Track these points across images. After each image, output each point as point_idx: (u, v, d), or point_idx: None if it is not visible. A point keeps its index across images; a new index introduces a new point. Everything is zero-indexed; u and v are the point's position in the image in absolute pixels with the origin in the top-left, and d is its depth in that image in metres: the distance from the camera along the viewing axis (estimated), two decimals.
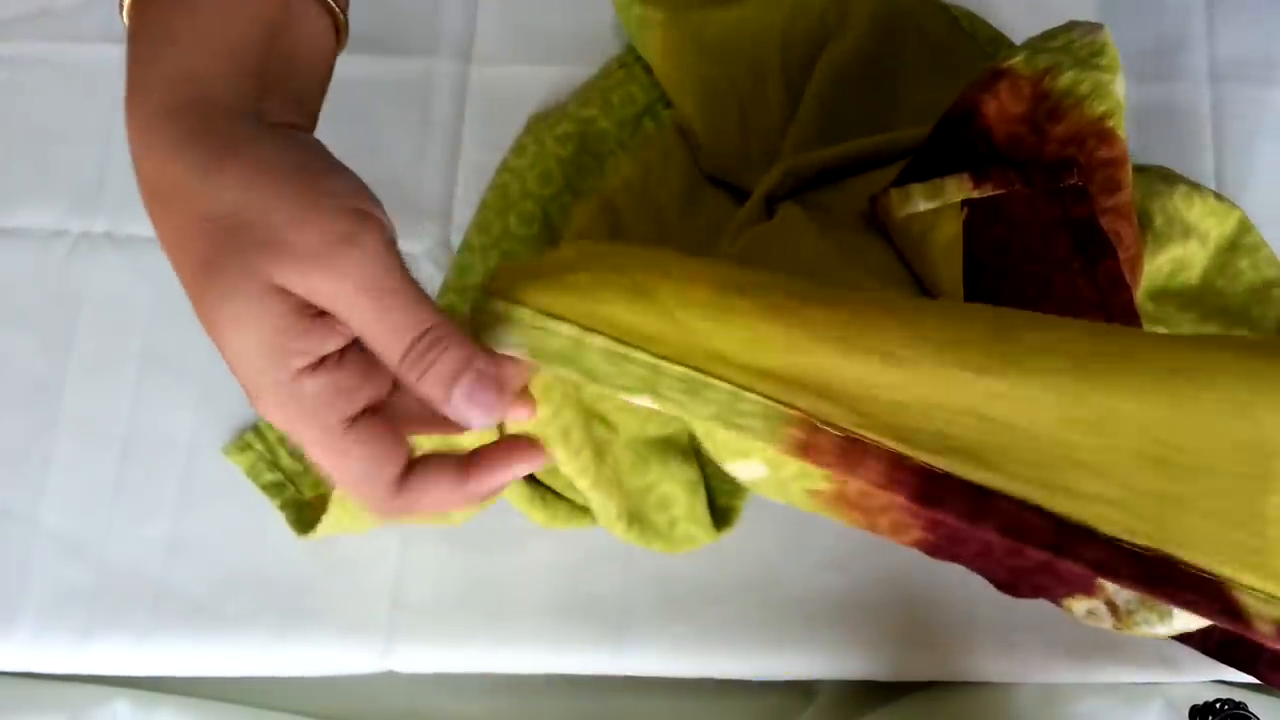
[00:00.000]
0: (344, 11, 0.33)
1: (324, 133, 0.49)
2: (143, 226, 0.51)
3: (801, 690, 0.46)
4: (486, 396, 0.29)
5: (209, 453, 0.47)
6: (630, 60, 0.53)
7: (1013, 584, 0.35)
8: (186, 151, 0.28)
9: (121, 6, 0.31)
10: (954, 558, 0.35)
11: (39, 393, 0.48)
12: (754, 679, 0.45)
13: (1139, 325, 0.41)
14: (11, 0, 0.54)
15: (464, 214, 0.51)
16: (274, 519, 0.45)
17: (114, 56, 0.53)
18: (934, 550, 0.35)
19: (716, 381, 0.30)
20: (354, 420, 0.29)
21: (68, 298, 0.49)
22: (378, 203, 0.29)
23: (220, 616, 0.45)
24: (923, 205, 0.41)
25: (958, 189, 0.40)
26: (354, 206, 0.28)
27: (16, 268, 0.50)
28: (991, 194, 0.39)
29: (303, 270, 0.27)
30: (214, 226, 0.28)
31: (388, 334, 0.28)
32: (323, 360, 0.28)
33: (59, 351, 0.48)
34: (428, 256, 0.50)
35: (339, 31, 0.33)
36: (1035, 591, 0.35)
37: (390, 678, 0.45)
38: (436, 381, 0.29)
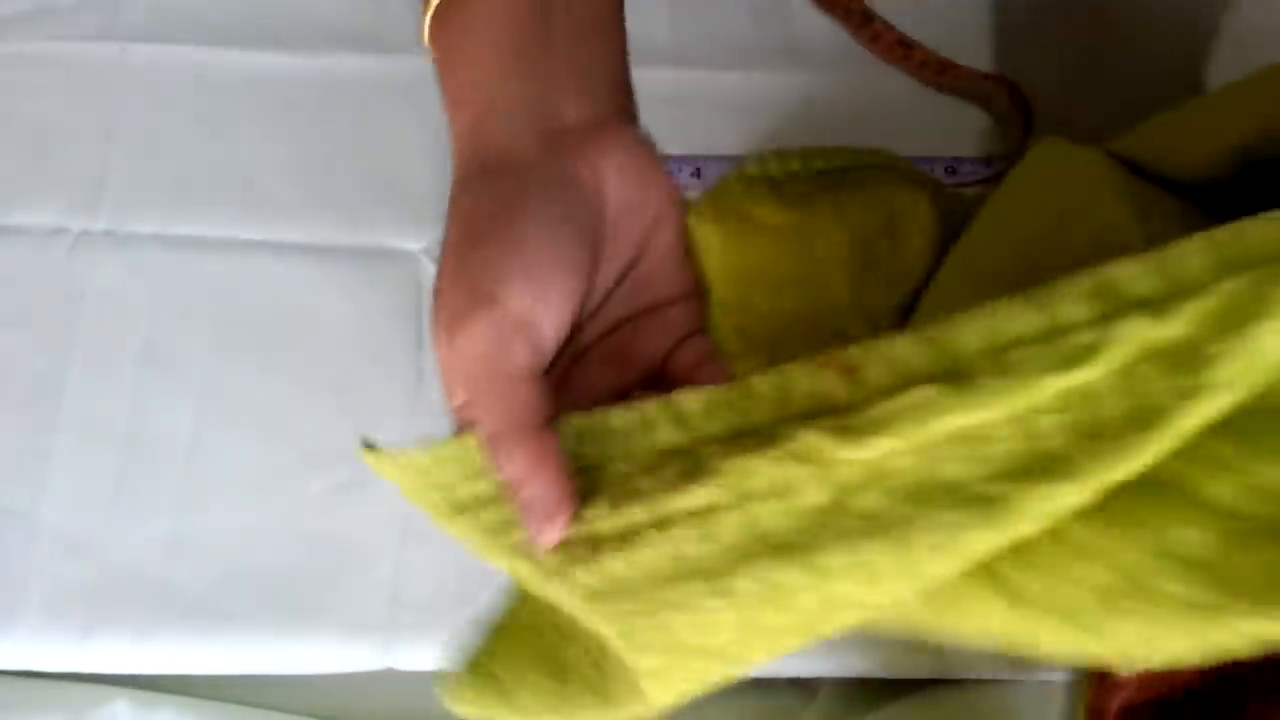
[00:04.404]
0: None
1: (324, 132, 0.49)
2: (143, 225, 0.51)
3: (802, 689, 0.46)
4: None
5: (209, 452, 0.47)
6: None
7: None
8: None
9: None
10: None
11: (39, 392, 0.48)
12: (754, 679, 0.45)
13: None
14: (11, 0, 0.54)
15: None
16: (274, 518, 0.46)
17: (113, 55, 0.53)
18: None
19: None
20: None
21: (68, 297, 0.49)
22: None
23: (221, 615, 0.45)
24: None
25: None
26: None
27: (16, 266, 0.50)
28: None
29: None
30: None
31: None
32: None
33: (59, 351, 0.48)
34: (427, 255, 0.50)
35: None
36: None
37: (390, 675, 0.45)
38: None
